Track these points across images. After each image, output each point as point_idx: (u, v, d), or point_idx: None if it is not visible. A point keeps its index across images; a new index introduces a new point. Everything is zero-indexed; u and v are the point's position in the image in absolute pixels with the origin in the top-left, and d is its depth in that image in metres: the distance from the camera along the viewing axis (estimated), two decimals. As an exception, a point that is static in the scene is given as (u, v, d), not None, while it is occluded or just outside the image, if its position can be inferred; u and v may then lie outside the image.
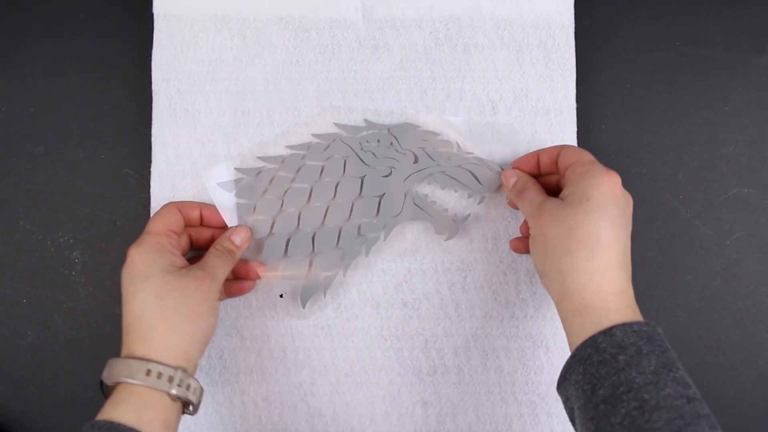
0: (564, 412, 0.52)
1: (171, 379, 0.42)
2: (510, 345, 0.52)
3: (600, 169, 0.45)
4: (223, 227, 0.51)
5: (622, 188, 0.45)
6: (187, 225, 0.50)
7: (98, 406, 0.52)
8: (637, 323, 0.41)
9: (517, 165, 0.51)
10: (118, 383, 0.42)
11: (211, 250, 0.49)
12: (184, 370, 0.43)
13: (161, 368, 0.42)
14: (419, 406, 0.52)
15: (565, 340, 0.52)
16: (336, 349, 0.52)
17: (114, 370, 0.42)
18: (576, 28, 0.54)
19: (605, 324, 0.41)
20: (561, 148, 0.49)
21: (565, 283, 0.43)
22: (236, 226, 0.51)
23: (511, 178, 0.50)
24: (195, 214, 0.50)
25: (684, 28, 0.55)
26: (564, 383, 0.44)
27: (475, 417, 0.52)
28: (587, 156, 0.47)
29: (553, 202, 0.46)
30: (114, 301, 0.53)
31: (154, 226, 0.47)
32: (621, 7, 0.55)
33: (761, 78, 0.55)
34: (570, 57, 0.54)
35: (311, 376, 0.52)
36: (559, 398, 0.51)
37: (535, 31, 0.54)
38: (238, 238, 0.50)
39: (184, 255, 0.49)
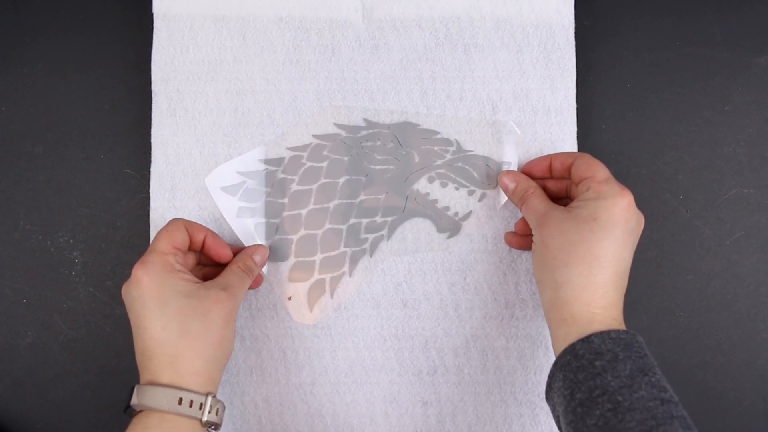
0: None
1: (201, 406, 0.43)
2: (510, 345, 0.52)
3: (614, 188, 0.45)
4: (221, 264, 0.50)
5: (635, 209, 0.46)
6: (194, 244, 0.49)
7: (98, 406, 0.52)
8: (615, 331, 0.42)
9: (528, 169, 0.51)
10: (147, 408, 0.42)
11: (232, 268, 0.48)
12: (214, 396, 0.43)
13: (192, 396, 0.42)
14: (419, 406, 0.52)
15: (565, 340, 0.52)
16: (336, 349, 0.52)
17: (145, 399, 0.42)
18: (576, 28, 0.54)
19: (587, 333, 0.42)
20: (576, 157, 0.48)
21: (557, 292, 0.44)
22: (257, 245, 0.51)
23: (510, 183, 0.50)
24: (199, 238, 0.49)
25: (684, 28, 0.55)
26: (549, 392, 0.44)
27: (475, 417, 0.52)
28: (603, 172, 0.47)
29: (558, 212, 0.46)
30: (114, 301, 0.53)
31: (161, 244, 0.46)
32: (621, 7, 0.55)
33: (761, 78, 0.55)
34: (570, 57, 0.54)
35: (311, 376, 0.52)
36: (559, 398, 0.52)
37: (535, 31, 0.54)
38: (259, 257, 0.50)
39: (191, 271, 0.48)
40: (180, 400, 0.42)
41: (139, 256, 0.52)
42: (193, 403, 0.42)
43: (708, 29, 0.55)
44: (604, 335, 0.42)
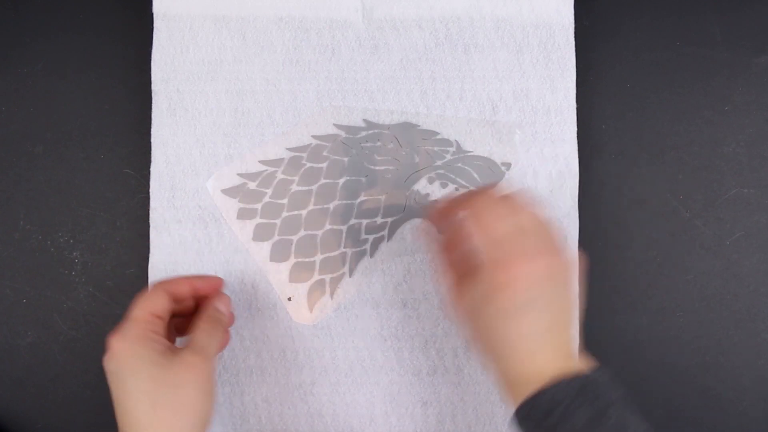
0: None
1: None
2: (510, 345, 0.52)
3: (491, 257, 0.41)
4: (189, 314, 0.49)
5: (554, 260, 0.41)
6: (180, 300, 0.47)
7: (98, 406, 0.52)
8: (566, 380, 0.40)
9: (431, 217, 0.48)
10: None
11: (200, 325, 0.46)
12: None
13: None
14: (419, 406, 0.52)
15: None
16: (336, 349, 0.52)
17: None
18: (576, 28, 0.54)
19: (536, 389, 0.40)
20: (468, 210, 0.44)
21: (500, 352, 0.42)
22: (219, 295, 0.49)
23: (433, 221, 0.48)
24: (184, 290, 0.47)
25: (684, 28, 0.55)
26: None
27: (474, 417, 0.52)
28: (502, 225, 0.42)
29: (466, 290, 0.42)
30: (114, 301, 0.53)
31: (137, 311, 0.44)
32: (621, 7, 0.55)
33: (761, 78, 0.55)
34: (570, 57, 0.54)
35: (311, 376, 0.52)
36: (559, 398, 0.52)
37: (535, 31, 0.54)
38: (223, 306, 0.48)
39: (169, 339, 0.46)
40: None
41: (140, 256, 0.53)
42: None
43: (708, 29, 0.55)
44: (555, 387, 0.39)
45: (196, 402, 0.43)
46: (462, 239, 0.44)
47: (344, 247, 0.52)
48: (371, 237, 0.52)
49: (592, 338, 0.53)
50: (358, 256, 0.52)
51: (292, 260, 0.52)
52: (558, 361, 0.41)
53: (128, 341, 0.43)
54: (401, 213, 0.52)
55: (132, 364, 0.42)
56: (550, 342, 0.41)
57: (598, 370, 0.41)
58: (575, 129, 0.53)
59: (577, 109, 0.53)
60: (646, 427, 0.40)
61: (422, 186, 0.52)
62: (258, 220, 0.52)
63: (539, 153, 0.53)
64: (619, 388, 0.41)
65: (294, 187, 0.52)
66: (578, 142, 0.53)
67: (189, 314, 0.48)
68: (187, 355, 0.44)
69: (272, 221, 0.52)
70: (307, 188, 0.52)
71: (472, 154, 0.52)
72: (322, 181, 0.52)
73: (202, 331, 0.46)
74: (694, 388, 0.53)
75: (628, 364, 0.53)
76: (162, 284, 0.47)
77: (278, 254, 0.52)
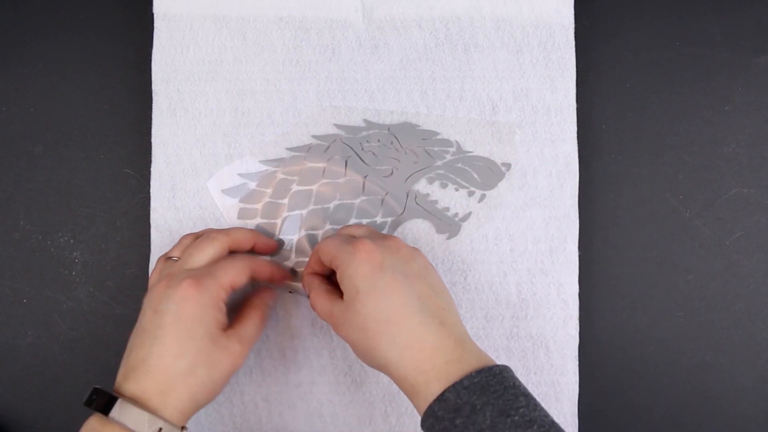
0: (566, 411, 0.52)
1: None
2: (511, 345, 0.52)
3: (346, 250, 0.44)
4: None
5: (377, 247, 0.44)
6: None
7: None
8: (468, 377, 0.40)
9: (309, 267, 0.49)
10: (121, 426, 0.41)
11: (252, 317, 0.47)
12: (183, 428, 0.43)
13: (169, 428, 0.41)
14: (419, 406, 0.52)
15: (566, 340, 0.52)
16: (335, 348, 0.52)
17: (127, 418, 0.40)
18: (576, 28, 0.54)
19: (436, 392, 0.40)
20: (317, 248, 0.47)
21: (389, 373, 0.43)
22: (271, 291, 0.50)
23: (304, 285, 0.49)
24: (264, 275, 0.48)
25: (684, 28, 0.55)
26: None
27: (475, 417, 0.52)
28: (332, 244, 0.45)
29: (338, 306, 0.44)
30: (114, 302, 0.53)
31: (225, 276, 0.45)
32: (621, 7, 0.55)
33: (761, 78, 0.55)
34: (570, 57, 0.54)
35: (310, 375, 0.52)
36: (559, 398, 0.52)
37: (535, 31, 0.54)
38: (273, 302, 0.49)
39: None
40: (159, 430, 0.41)
41: (140, 256, 0.53)
42: None
43: (708, 29, 0.55)
44: (457, 386, 0.40)
45: (218, 385, 0.44)
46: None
47: (344, 247, 0.51)
48: (371, 237, 0.52)
49: (592, 338, 0.53)
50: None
51: (293, 260, 0.52)
52: (448, 350, 0.41)
53: (203, 300, 0.43)
54: (401, 213, 0.52)
55: (194, 325, 0.43)
56: (437, 326, 0.42)
57: (493, 366, 0.41)
58: (575, 129, 0.53)
59: (577, 109, 0.53)
60: (551, 420, 0.39)
61: (422, 186, 0.52)
62: (258, 220, 0.52)
63: (539, 153, 0.53)
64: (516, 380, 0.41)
65: (294, 187, 0.52)
66: (578, 142, 0.53)
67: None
68: (234, 343, 0.44)
69: (273, 221, 0.52)
70: (307, 188, 0.52)
71: (472, 154, 0.52)
72: (322, 181, 0.52)
73: (253, 324, 0.46)
74: (694, 388, 0.53)
75: (628, 364, 0.53)
76: (249, 263, 0.47)
77: (279, 254, 0.52)
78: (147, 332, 0.43)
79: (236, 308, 0.48)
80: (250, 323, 0.46)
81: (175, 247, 0.48)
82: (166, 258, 0.48)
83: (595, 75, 0.55)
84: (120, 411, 0.41)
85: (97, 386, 0.42)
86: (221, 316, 0.44)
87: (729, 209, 0.54)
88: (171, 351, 0.42)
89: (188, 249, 0.47)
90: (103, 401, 0.41)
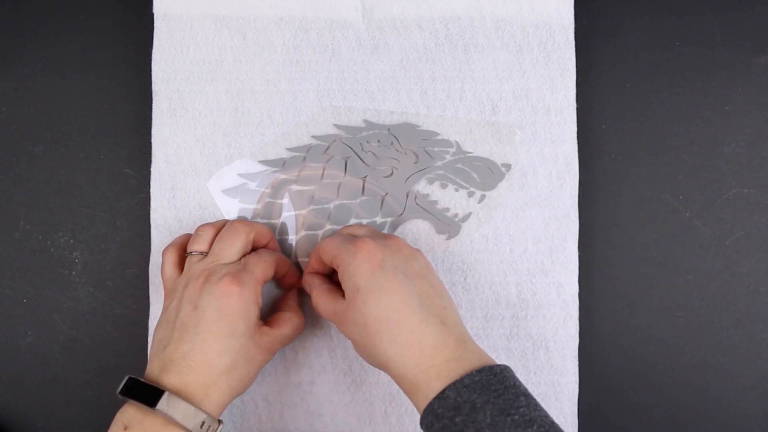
0: (566, 411, 0.52)
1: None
2: (511, 345, 0.52)
3: (347, 249, 0.44)
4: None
5: (378, 246, 0.44)
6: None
7: (98, 406, 0.52)
8: (468, 375, 0.40)
9: (309, 267, 0.50)
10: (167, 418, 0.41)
11: (293, 318, 0.48)
12: (220, 421, 0.43)
13: (211, 422, 0.42)
14: (419, 406, 0.52)
15: (566, 340, 0.52)
16: (335, 348, 0.52)
17: (174, 412, 0.41)
18: (576, 28, 0.54)
19: (436, 390, 0.40)
20: (318, 247, 0.48)
21: (390, 371, 0.43)
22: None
23: (305, 284, 0.49)
24: (282, 270, 0.50)
25: (684, 28, 0.55)
26: None
27: (475, 417, 0.52)
28: (333, 243, 0.46)
29: (340, 305, 0.45)
30: (114, 301, 0.53)
31: (259, 271, 0.46)
32: (621, 7, 0.55)
33: (761, 78, 0.55)
34: (570, 57, 0.54)
35: (310, 375, 0.52)
36: (559, 398, 0.52)
37: (535, 31, 0.54)
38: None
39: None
40: (202, 424, 0.42)
41: (140, 256, 0.53)
42: (210, 429, 0.42)
43: (708, 29, 0.55)
44: (458, 385, 0.40)
45: (252, 380, 0.46)
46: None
47: (344, 247, 0.51)
48: (371, 237, 0.52)
49: (592, 338, 0.53)
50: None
51: (293, 259, 0.52)
52: (449, 348, 0.42)
53: (245, 298, 0.44)
54: (401, 213, 0.52)
55: (236, 322, 0.44)
56: (437, 325, 0.42)
57: (494, 365, 0.41)
58: (575, 129, 0.53)
59: (577, 109, 0.53)
60: (551, 421, 0.39)
61: (422, 186, 0.52)
62: (259, 220, 0.52)
63: (539, 153, 0.53)
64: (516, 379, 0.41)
65: (294, 188, 0.52)
66: (578, 142, 0.53)
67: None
68: (274, 342, 0.46)
69: (273, 221, 0.52)
70: (307, 188, 0.52)
71: (472, 155, 0.52)
72: (322, 181, 0.52)
73: (292, 325, 0.48)
74: (694, 388, 0.53)
75: (628, 364, 0.53)
76: (275, 258, 0.48)
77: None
78: (187, 327, 0.43)
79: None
80: (287, 322, 0.48)
81: (194, 239, 0.48)
82: (188, 252, 0.48)
83: (595, 75, 0.55)
84: (168, 404, 0.41)
85: (133, 376, 0.43)
86: (258, 311, 0.45)
87: (729, 209, 0.54)
88: (215, 347, 0.43)
89: (217, 243, 0.47)
90: (146, 392, 0.42)
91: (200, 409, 0.42)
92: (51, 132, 0.54)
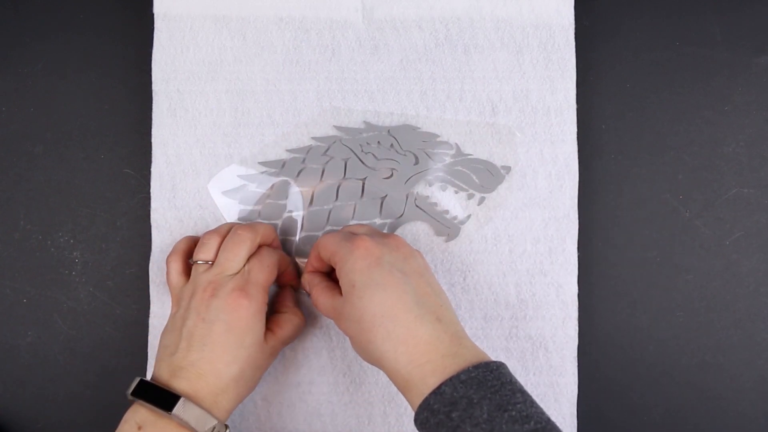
0: (565, 412, 0.52)
1: None
2: (510, 346, 0.52)
3: (345, 246, 0.45)
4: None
5: (375, 244, 0.44)
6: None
7: (98, 406, 0.52)
8: (465, 371, 0.40)
9: (309, 265, 0.50)
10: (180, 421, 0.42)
11: (294, 320, 0.49)
12: (227, 426, 0.44)
13: (219, 427, 0.43)
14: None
15: (565, 341, 0.52)
16: (334, 348, 0.52)
17: (187, 416, 0.42)
18: (576, 28, 0.54)
19: (431, 385, 0.40)
20: (317, 244, 0.48)
21: (384, 368, 0.43)
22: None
23: (304, 283, 0.50)
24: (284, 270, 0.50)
25: (684, 28, 0.55)
26: None
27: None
28: (332, 240, 0.46)
29: (338, 301, 0.45)
30: (114, 302, 0.53)
31: (263, 278, 0.47)
32: (621, 7, 0.55)
33: (761, 78, 0.55)
34: (570, 57, 0.53)
35: (309, 375, 0.52)
36: (558, 399, 0.52)
37: (535, 32, 0.54)
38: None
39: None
40: (212, 429, 0.42)
41: (140, 256, 0.53)
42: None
43: (708, 29, 0.55)
44: (454, 380, 0.40)
45: (256, 384, 0.47)
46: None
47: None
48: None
49: (591, 338, 0.53)
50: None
51: (293, 260, 0.52)
52: (444, 345, 0.42)
53: (253, 309, 0.45)
54: (401, 215, 0.52)
55: (244, 335, 0.45)
56: (432, 323, 0.42)
57: (490, 362, 0.41)
58: (575, 129, 0.53)
59: (577, 109, 0.53)
60: (547, 418, 0.39)
61: (422, 188, 0.52)
62: (259, 221, 0.52)
63: (539, 154, 0.53)
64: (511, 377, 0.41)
65: (294, 189, 0.52)
66: (578, 142, 0.53)
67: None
68: (277, 345, 0.48)
69: (273, 222, 0.52)
70: (306, 189, 0.52)
71: (472, 157, 0.52)
72: (322, 182, 0.52)
73: (293, 325, 0.49)
74: (694, 388, 0.53)
75: (628, 364, 0.53)
76: (276, 259, 0.48)
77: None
78: (195, 337, 0.44)
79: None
80: (289, 324, 0.49)
81: (200, 248, 0.48)
82: (193, 261, 0.48)
83: (595, 75, 0.55)
84: (184, 409, 0.42)
85: (144, 378, 0.43)
86: (264, 319, 0.46)
87: (729, 209, 0.54)
88: (223, 358, 0.44)
89: (222, 253, 0.47)
90: (160, 396, 0.42)
91: (211, 414, 0.43)
92: (51, 132, 0.54)
